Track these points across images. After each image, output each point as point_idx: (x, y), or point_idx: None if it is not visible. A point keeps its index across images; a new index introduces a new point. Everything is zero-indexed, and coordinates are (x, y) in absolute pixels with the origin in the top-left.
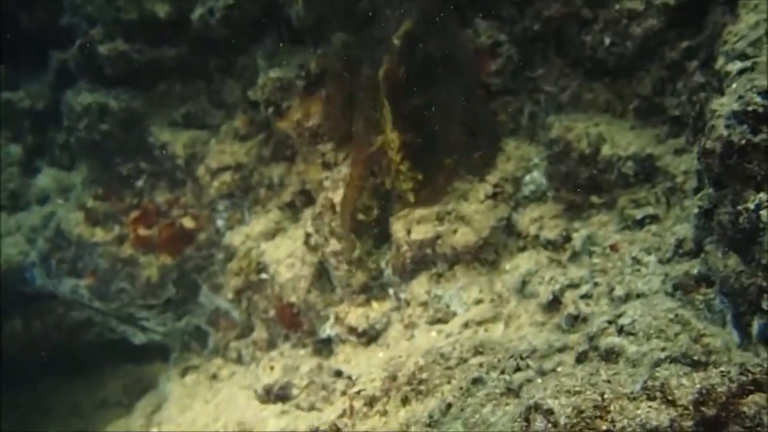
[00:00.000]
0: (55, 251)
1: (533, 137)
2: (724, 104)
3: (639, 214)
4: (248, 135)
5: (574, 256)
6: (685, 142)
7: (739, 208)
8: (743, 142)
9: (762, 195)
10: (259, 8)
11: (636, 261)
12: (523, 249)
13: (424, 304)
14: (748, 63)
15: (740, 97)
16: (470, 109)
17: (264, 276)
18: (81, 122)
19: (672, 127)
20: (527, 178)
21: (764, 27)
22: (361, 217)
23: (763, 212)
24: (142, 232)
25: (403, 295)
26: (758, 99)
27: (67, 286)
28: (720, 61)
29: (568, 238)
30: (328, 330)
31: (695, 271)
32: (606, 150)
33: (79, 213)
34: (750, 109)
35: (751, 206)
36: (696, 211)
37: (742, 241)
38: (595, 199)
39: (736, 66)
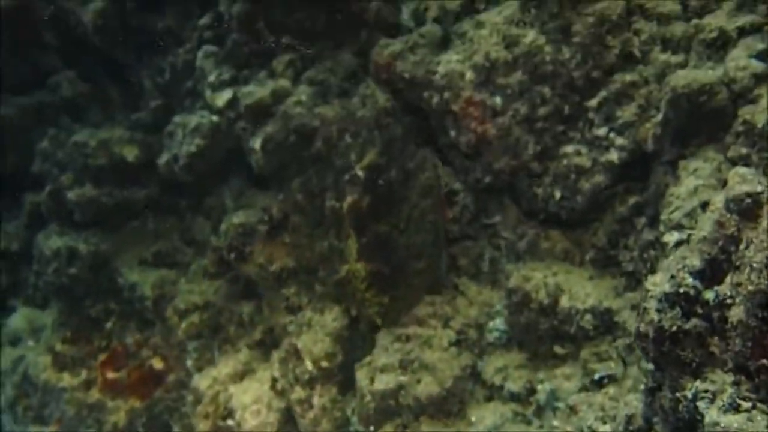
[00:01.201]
0: (22, 398)
1: (495, 282)
2: (656, 284)
3: (599, 370)
4: (217, 273)
5: (539, 411)
6: (641, 297)
7: (678, 395)
8: (675, 328)
9: (698, 383)
10: (223, 154)
11: (592, 431)
12: (488, 399)
13: None
14: (683, 235)
15: (672, 277)
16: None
17: (231, 422)
18: (50, 267)
19: (629, 279)
20: (491, 324)
21: (701, 195)
22: (324, 364)
23: (700, 403)
24: (111, 375)
25: None
26: (690, 280)
27: None
28: (660, 228)
29: (532, 391)
30: None
31: None
32: (564, 302)
33: (47, 357)
34: (682, 291)
35: (689, 395)
36: (642, 387)
37: (684, 428)
38: (558, 349)
39: (673, 237)
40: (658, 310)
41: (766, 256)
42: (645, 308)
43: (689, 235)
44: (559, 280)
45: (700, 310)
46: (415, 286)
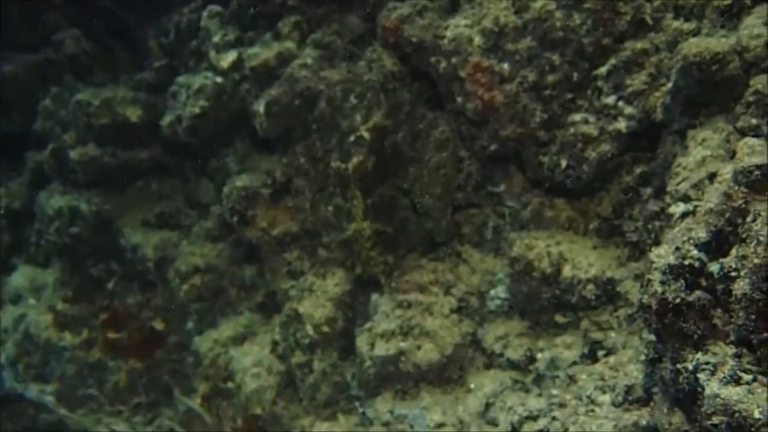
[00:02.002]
0: (23, 356)
1: (498, 250)
2: (661, 256)
3: (600, 340)
4: (220, 236)
5: (538, 379)
6: (644, 267)
7: (679, 366)
8: (678, 300)
9: (700, 355)
10: (228, 117)
11: (591, 400)
12: (488, 367)
13: (387, 425)
14: (690, 206)
15: (677, 249)
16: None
17: (231, 385)
18: (51, 226)
19: (632, 250)
20: (492, 292)
21: (709, 166)
22: (325, 329)
23: (701, 375)
24: (112, 335)
25: (368, 411)
26: (695, 252)
27: (33, 392)
28: (667, 199)
29: (532, 359)
30: None
31: (644, 422)
32: (567, 271)
33: (49, 315)
34: (686, 263)
35: (690, 367)
36: (643, 358)
37: (684, 400)
38: (559, 318)
39: (679, 208)
40: (662, 282)
41: None
42: (649, 280)
43: (695, 207)
44: (563, 250)
45: (704, 283)
46: (421, 246)
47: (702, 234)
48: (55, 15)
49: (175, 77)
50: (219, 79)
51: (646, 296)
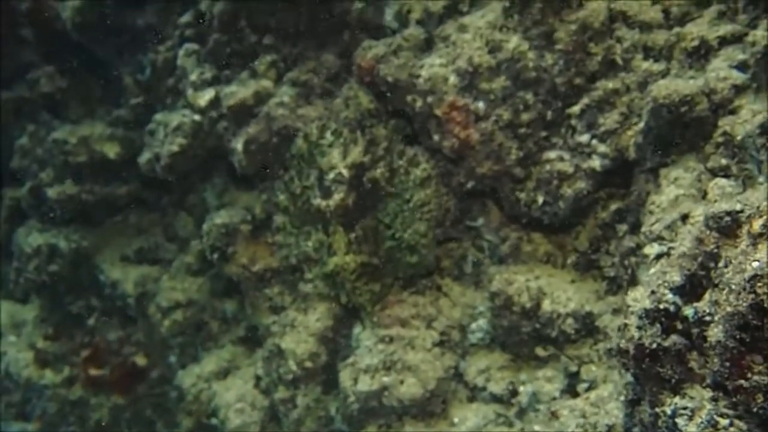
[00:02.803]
0: (3, 394)
1: (478, 284)
2: (637, 299)
3: (581, 375)
4: (201, 270)
5: (521, 413)
6: (622, 302)
7: (657, 410)
8: (654, 345)
9: (677, 399)
10: (205, 153)
11: None
12: (471, 400)
13: None
14: (664, 248)
15: (653, 293)
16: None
17: (214, 421)
18: (30, 263)
19: (610, 284)
20: (473, 326)
21: (681, 207)
22: (308, 364)
23: (679, 419)
24: (94, 371)
25: None
26: (670, 296)
27: (14, 430)
28: (641, 238)
29: (514, 393)
30: None
31: None
32: (546, 305)
33: (29, 353)
34: (662, 307)
35: (668, 411)
36: (623, 398)
37: None
38: (540, 351)
39: (653, 249)
40: (639, 327)
41: (745, 278)
42: (626, 324)
43: (669, 249)
44: (542, 284)
45: (679, 326)
46: (404, 279)
47: (676, 278)
48: (27, 51)
49: (152, 114)
50: (196, 117)
51: (623, 341)
